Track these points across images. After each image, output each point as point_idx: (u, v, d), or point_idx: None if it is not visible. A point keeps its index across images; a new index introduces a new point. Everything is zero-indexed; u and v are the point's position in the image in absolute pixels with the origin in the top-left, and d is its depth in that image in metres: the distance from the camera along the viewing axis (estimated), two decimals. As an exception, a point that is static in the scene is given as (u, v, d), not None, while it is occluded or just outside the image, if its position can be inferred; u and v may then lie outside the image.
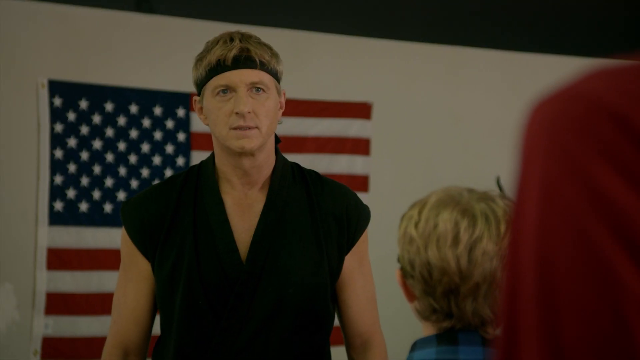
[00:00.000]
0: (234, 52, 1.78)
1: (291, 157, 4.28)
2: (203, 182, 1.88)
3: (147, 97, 4.17)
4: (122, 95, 4.14)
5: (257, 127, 1.80)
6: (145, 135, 4.18)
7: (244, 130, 1.78)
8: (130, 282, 1.89)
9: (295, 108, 4.35)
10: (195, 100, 1.87)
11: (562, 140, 0.52)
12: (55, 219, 4.01)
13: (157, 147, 4.20)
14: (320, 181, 1.94)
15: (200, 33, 4.00)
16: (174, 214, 1.85)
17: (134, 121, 4.17)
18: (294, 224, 1.88)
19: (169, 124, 4.22)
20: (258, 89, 1.80)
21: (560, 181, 0.51)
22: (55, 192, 4.02)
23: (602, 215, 0.50)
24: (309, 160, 4.36)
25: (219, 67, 1.79)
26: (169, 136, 4.22)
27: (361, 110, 4.52)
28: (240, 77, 1.78)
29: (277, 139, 1.94)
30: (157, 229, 1.84)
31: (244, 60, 1.79)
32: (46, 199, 4.00)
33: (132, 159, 4.16)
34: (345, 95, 4.50)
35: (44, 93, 4.01)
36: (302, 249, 1.86)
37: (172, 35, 4.23)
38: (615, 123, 0.51)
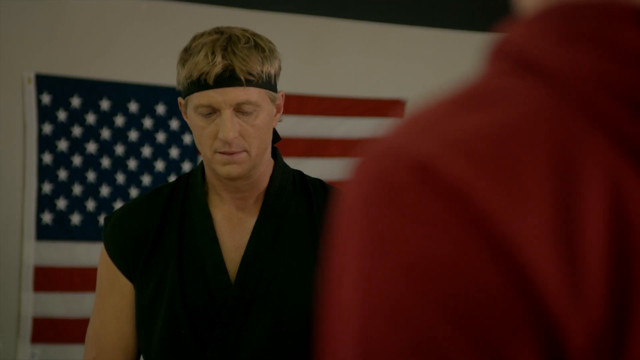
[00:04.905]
0: (215, 70, 1.75)
1: (313, 162, 4.31)
2: (191, 194, 1.88)
3: (148, 94, 4.14)
4: (120, 92, 4.09)
5: (245, 151, 1.79)
6: (147, 137, 4.14)
7: (231, 156, 1.78)
8: (110, 309, 1.86)
9: (318, 106, 4.33)
10: (180, 103, 1.86)
11: (373, 211, 0.50)
12: (43, 233, 3.95)
13: (160, 151, 4.17)
14: (324, 190, 1.90)
15: (209, 20, 3.97)
16: (158, 230, 1.85)
17: (134, 121, 4.12)
18: (291, 241, 1.86)
19: (174, 124, 4.20)
20: (245, 110, 1.79)
21: (375, 255, 0.50)
22: (44, 203, 3.96)
23: (428, 290, 0.48)
24: (333, 165, 4.34)
25: (200, 84, 1.77)
26: (174, 138, 4.19)
27: (393, 108, 4.46)
28: (225, 97, 1.76)
29: (276, 137, 1.91)
30: (139, 247, 1.84)
31: (227, 79, 1.76)
32: (33, 211, 3.95)
33: (132, 164, 4.11)
34: (374, 91, 4.45)
35: (31, 89, 3.95)
36: (301, 269, 1.84)
37: (177, 23, 4.17)
38: (418, 176, 0.49)
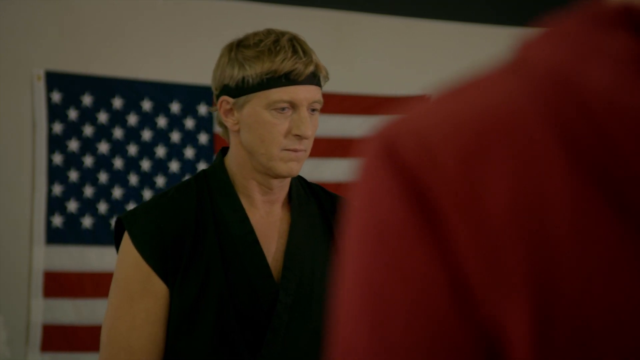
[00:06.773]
0: (311, 68, 1.85)
1: (335, 162, 4.31)
2: (218, 196, 1.92)
3: (162, 92, 4.16)
4: (133, 90, 4.11)
5: (305, 149, 1.90)
6: (161, 136, 4.16)
7: (297, 153, 1.87)
8: (142, 313, 1.86)
9: (340, 104, 4.34)
10: (225, 101, 1.89)
11: (356, 187, 0.60)
12: (53, 236, 3.97)
13: (175, 151, 4.18)
14: (329, 196, 2.03)
15: (225, 16, 3.99)
16: (196, 232, 1.88)
17: (147, 120, 4.14)
18: (317, 246, 1.96)
19: (189, 123, 4.21)
20: (314, 109, 1.90)
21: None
22: (54, 205, 3.98)
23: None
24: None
25: (286, 80, 1.85)
26: (189, 138, 4.22)
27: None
28: (306, 95, 1.86)
29: None
30: (180, 249, 1.86)
31: (315, 78, 1.88)
32: (42, 213, 3.96)
33: (145, 165, 4.13)
34: (399, 88, 4.45)
35: (40, 87, 3.96)
36: (327, 270, 1.94)
37: (193, 18, 4.19)
38: (381, 156, 0.58)
